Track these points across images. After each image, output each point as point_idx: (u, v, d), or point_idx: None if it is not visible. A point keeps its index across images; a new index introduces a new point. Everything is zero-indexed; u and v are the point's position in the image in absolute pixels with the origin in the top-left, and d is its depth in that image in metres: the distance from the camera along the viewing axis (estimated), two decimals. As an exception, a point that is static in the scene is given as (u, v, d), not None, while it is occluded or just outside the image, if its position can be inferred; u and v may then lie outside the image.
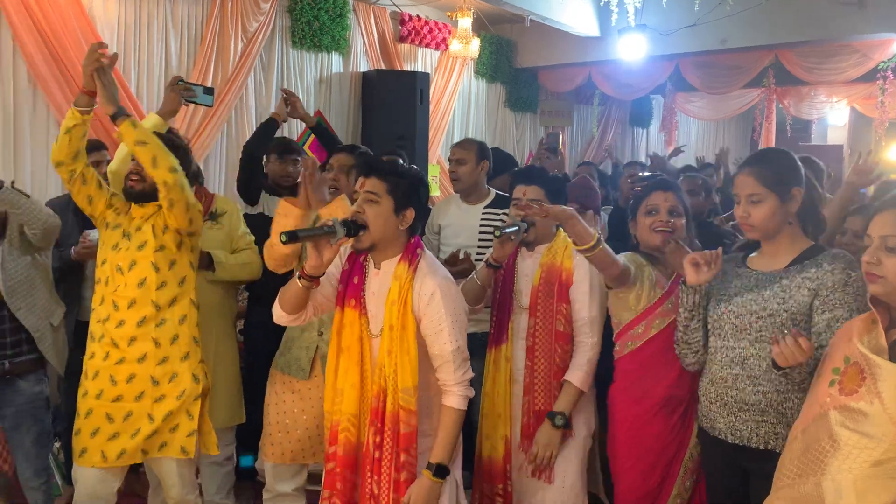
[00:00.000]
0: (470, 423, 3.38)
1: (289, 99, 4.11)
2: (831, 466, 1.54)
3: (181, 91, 2.99)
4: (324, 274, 2.16)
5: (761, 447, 2.06)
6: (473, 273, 2.76)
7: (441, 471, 2.12)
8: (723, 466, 2.21)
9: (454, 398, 2.16)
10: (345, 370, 2.19)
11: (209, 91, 3.17)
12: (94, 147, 3.76)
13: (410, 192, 2.18)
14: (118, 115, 2.43)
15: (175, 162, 2.49)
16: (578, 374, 2.57)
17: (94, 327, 2.61)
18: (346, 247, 2.24)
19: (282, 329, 3.01)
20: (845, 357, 1.61)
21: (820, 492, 1.55)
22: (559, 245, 2.66)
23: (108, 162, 3.40)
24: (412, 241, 2.21)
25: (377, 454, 2.13)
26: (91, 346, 2.62)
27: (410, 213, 2.18)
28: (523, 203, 2.60)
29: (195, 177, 3.08)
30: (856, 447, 1.51)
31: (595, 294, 2.60)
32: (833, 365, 1.64)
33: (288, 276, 3.01)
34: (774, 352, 1.80)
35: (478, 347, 3.24)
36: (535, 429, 2.57)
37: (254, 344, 3.76)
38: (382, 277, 2.20)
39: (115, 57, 2.53)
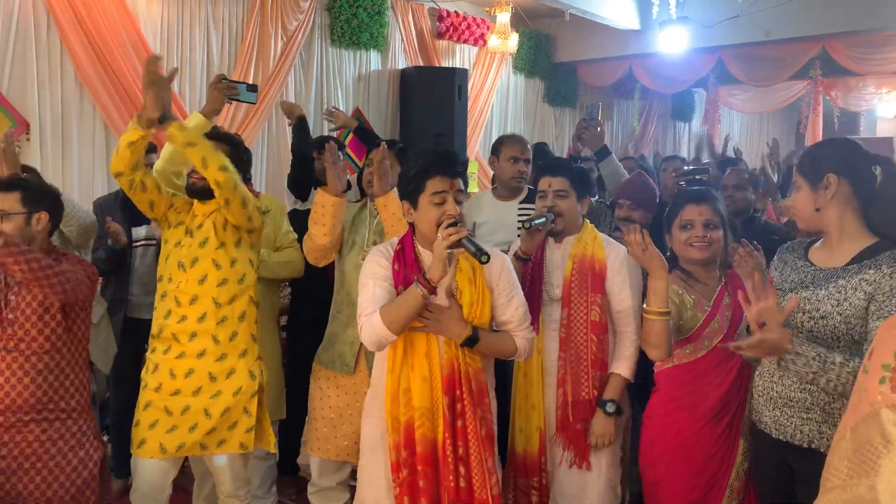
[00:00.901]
0: (503, 421, 3.38)
1: (332, 115, 4.47)
2: (885, 468, 1.48)
3: (224, 89, 2.99)
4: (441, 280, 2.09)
5: (805, 445, 2.01)
6: None
7: (469, 340, 2.16)
8: (767, 459, 2.17)
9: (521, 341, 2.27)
10: (411, 366, 2.16)
11: (253, 88, 3.17)
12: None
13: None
14: (164, 119, 2.45)
15: (225, 161, 2.50)
16: (626, 364, 2.58)
17: (156, 323, 2.66)
18: (390, 248, 2.26)
19: (321, 324, 3.05)
20: (895, 353, 1.55)
21: (875, 494, 1.49)
22: (588, 236, 2.66)
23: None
24: None
25: (459, 422, 2.14)
26: (152, 342, 2.67)
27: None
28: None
29: (247, 166, 3.10)
30: None
31: (634, 283, 2.60)
32: (882, 360, 1.57)
33: (326, 270, 3.05)
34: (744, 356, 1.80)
35: None
36: (571, 420, 2.56)
37: (295, 341, 3.79)
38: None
39: (174, 71, 2.51)
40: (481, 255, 2.02)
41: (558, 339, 2.61)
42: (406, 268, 2.18)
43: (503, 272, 2.24)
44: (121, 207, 3.52)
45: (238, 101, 3.10)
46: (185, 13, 5.26)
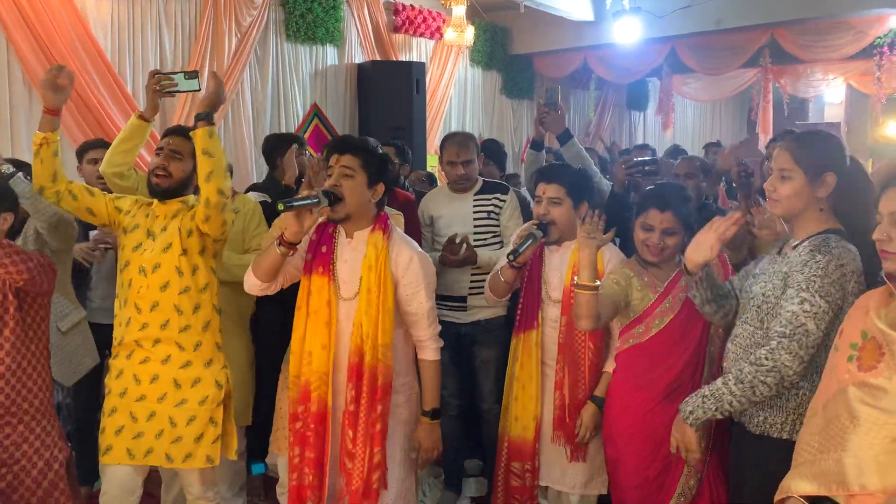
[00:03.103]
0: (476, 413, 3.41)
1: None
2: (852, 442, 1.54)
3: (156, 85, 2.79)
4: (300, 241, 2.32)
5: (756, 433, 2.06)
6: (498, 268, 2.77)
7: (436, 413, 2.41)
8: (745, 451, 2.21)
9: (431, 352, 2.42)
10: (313, 332, 2.35)
11: (192, 75, 2.85)
12: (98, 145, 3.73)
13: (381, 168, 2.37)
14: (206, 118, 2.39)
15: (226, 186, 2.45)
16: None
17: (117, 331, 2.60)
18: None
19: (288, 327, 3.02)
20: (862, 332, 1.60)
21: (842, 468, 1.55)
22: None
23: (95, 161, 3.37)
24: (382, 214, 2.40)
25: (352, 407, 2.30)
26: (115, 349, 2.62)
27: (381, 188, 2.37)
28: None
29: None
30: (876, 423, 1.51)
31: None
32: (850, 340, 1.63)
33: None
34: None
35: (493, 329, 3.29)
36: (567, 420, 2.65)
37: (260, 342, 3.75)
38: (356, 246, 2.37)
39: (72, 78, 2.53)
40: (317, 202, 2.20)
41: (557, 340, 2.68)
42: (319, 238, 2.40)
43: (411, 266, 2.34)
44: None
45: (178, 92, 2.89)
46: (136, 12, 5.17)
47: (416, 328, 2.41)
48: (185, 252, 2.54)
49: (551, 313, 2.71)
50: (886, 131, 8.66)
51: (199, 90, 2.81)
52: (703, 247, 2.07)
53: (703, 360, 2.49)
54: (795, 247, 2.02)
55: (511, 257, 2.55)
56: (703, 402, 2.03)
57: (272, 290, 2.45)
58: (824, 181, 1.99)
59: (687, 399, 2.10)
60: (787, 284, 1.96)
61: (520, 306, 2.79)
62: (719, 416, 2.05)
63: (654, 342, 2.49)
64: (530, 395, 2.71)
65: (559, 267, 2.72)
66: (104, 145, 3.77)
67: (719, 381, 2.02)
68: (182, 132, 2.67)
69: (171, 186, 2.56)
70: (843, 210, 2.03)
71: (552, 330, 2.70)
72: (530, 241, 2.55)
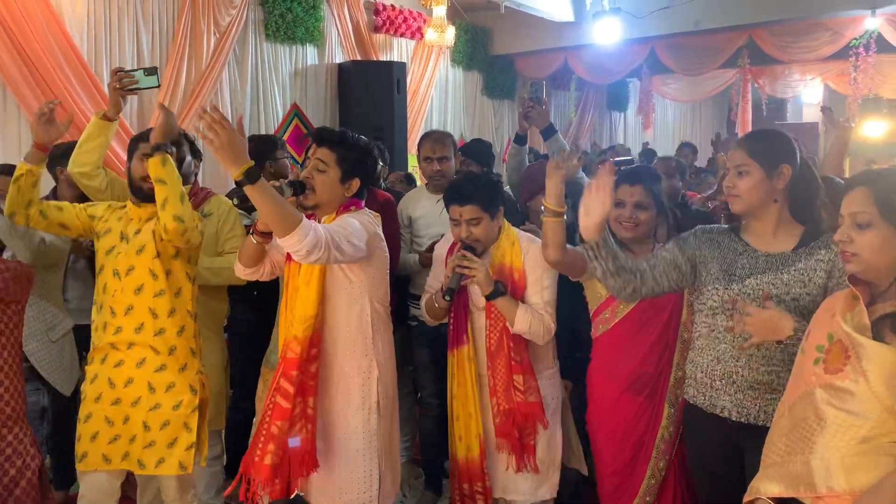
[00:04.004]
0: (442, 429, 3.37)
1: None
2: (819, 444, 1.56)
3: (115, 84, 2.74)
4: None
5: (769, 424, 2.07)
6: (432, 294, 2.71)
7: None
8: (717, 443, 2.23)
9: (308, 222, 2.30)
10: (293, 297, 2.38)
11: (151, 71, 2.79)
12: (67, 151, 3.70)
13: (357, 163, 2.36)
14: (160, 149, 2.40)
15: (182, 212, 2.43)
16: (525, 310, 2.53)
17: (94, 336, 2.58)
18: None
19: (262, 328, 3.01)
20: (829, 334, 1.62)
21: (809, 470, 1.56)
22: (505, 242, 2.60)
23: None
24: (351, 200, 2.39)
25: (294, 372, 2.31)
26: (91, 353, 2.60)
27: (356, 183, 2.37)
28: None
29: (195, 156, 3.09)
30: (842, 425, 1.53)
31: (549, 280, 2.58)
32: (817, 342, 1.64)
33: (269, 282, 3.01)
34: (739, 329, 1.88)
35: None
36: (508, 427, 2.56)
37: (234, 344, 3.73)
38: None
39: (70, 121, 2.53)
40: (287, 189, 2.26)
41: (486, 349, 2.61)
42: None
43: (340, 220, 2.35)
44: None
45: (139, 90, 2.83)
46: (113, 10, 5.12)
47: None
48: (158, 255, 2.52)
49: (479, 322, 2.62)
50: (862, 131, 8.76)
51: (158, 86, 2.82)
52: (594, 205, 2.03)
53: (672, 347, 2.48)
54: (809, 244, 2.07)
55: (447, 297, 2.47)
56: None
57: (259, 276, 2.48)
58: (781, 173, 2.05)
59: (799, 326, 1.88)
60: (833, 280, 2.00)
61: (450, 324, 2.68)
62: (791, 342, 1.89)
63: (618, 329, 2.52)
64: (470, 413, 2.63)
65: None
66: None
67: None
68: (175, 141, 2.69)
69: (152, 192, 2.55)
70: (796, 204, 2.10)
71: (481, 339, 2.62)
72: (462, 278, 2.49)
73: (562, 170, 2.31)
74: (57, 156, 3.66)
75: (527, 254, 2.58)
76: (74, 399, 3.34)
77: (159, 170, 2.40)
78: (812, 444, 1.56)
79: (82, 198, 3.71)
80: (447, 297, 2.47)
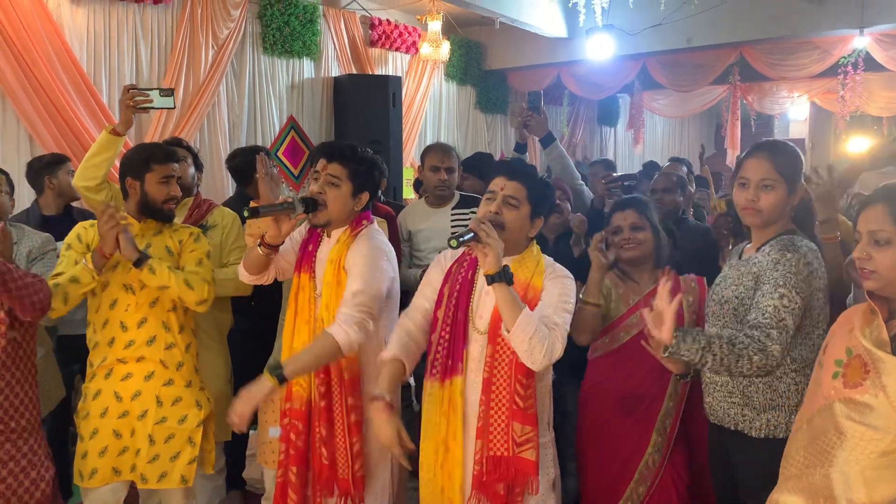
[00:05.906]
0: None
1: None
2: (839, 458, 1.58)
3: (129, 101, 2.78)
4: (282, 243, 2.37)
5: (732, 428, 2.12)
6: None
7: (282, 379, 2.20)
8: (712, 444, 2.28)
9: (334, 327, 2.24)
10: (298, 330, 2.39)
11: (167, 93, 2.84)
12: (59, 161, 3.71)
13: (367, 177, 2.39)
14: (141, 261, 2.42)
15: (198, 296, 2.50)
16: (527, 313, 2.05)
17: (98, 353, 2.56)
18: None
19: (260, 338, 3.01)
20: (847, 349, 1.64)
21: (829, 483, 1.58)
22: (531, 260, 2.17)
23: (73, 172, 3.33)
24: (362, 214, 2.42)
25: (323, 403, 2.32)
26: (89, 371, 2.58)
27: (365, 197, 2.40)
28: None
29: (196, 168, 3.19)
30: (862, 439, 1.55)
31: (567, 305, 2.15)
32: (835, 356, 1.67)
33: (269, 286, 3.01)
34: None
35: None
36: (490, 478, 2.08)
37: (235, 352, 3.72)
38: (332, 245, 2.39)
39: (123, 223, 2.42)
40: (291, 208, 2.27)
41: (482, 381, 2.12)
42: (309, 237, 2.47)
43: (359, 254, 2.33)
44: (36, 226, 3.26)
45: (153, 109, 2.90)
46: (112, 22, 5.12)
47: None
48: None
49: (476, 350, 2.14)
50: (849, 148, 8.88)
51: (174, 108, 2.82)
52: (666, 317, 1.81)
53: (668, 374, 2.42)
54: (760, 248, 2.08)
55: (454, 243, 1.97)
56: (697, 335, 1.82)
57: (263, 281, 2.51)
58: (798, 190, 2.07)
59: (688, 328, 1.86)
60: (760, 282, 1.99)
61: (439, 345, 2.19)
62: (693, 361, 1.83)
63: (614, 354, 2.57)
64: (457, 460, 2.12)
65: (492, 290, 2.03)
66: (65, 160, 3.74)
67: (713, 330, 1.97)
68: (176, 144, 2.72)
69: (172, 214, 2.66)
70: (796, 214, 2.13)
71: (476, 373, 2.13)
72: (473, 235, 1.98)
73: (607, 263, 2.47)
74: (45, 165, 3.67)
75: (549, 277, 2.15)
76: (67, 411, 3.32)
77: (152, 279, 2.45)
78: (832, 458, 1.59)
79: (67, 208, 3.72)
80: (452, 244, 1.97)
